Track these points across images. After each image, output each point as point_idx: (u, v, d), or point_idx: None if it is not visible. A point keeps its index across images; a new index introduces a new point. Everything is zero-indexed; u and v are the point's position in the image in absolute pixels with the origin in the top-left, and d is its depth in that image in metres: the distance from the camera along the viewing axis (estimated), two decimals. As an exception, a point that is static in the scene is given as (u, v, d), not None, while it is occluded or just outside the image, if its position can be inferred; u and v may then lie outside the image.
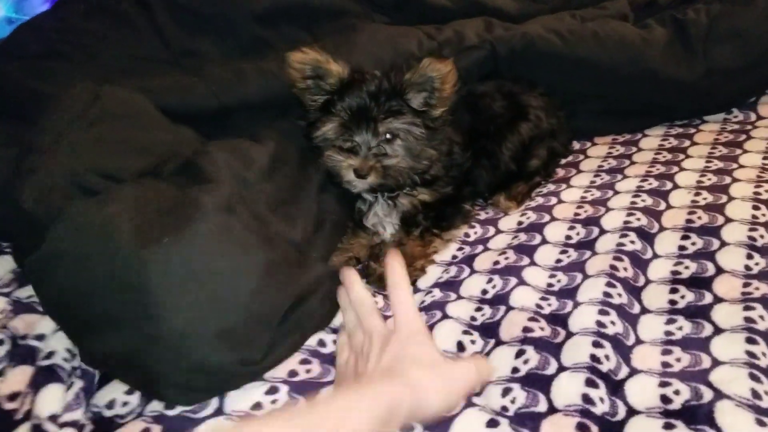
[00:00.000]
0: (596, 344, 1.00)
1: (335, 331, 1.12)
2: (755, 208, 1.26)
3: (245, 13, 1.61)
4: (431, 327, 1.10)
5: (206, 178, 1.14)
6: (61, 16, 1.65)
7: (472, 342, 1.08)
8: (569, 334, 1.04)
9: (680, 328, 1.04)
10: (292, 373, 1.02)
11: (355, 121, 1.26)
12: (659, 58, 1.61)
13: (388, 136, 1.27)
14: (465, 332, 1.09)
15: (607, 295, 1.10)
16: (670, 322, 1.05)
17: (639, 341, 1.03)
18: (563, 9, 1.88)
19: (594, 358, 0.98)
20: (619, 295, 1.10)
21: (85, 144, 1.23)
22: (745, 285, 1.09)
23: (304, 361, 1.05)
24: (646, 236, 1.23)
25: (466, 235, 1.38)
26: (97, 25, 1.60)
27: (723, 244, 1.18)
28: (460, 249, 1.34)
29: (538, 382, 0.96)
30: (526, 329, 1.06)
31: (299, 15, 1.64)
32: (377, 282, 1.26)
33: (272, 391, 0.98)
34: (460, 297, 1.18)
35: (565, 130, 1.64)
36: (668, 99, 1.65)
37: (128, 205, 1.01)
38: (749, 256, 1.14)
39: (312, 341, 1.09)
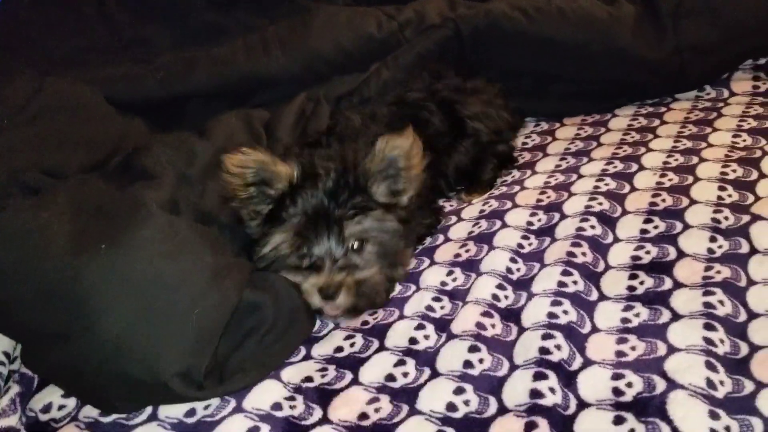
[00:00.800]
0: (546, 336, 0.96)
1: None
2: (721, 189, 1.21)
3: (198, -3, 1.56)
4: (388, 325, 1.06)
5: (148, 175, 1.10)
6: (8, 8, 1.60)
7: (426, 337, 1.03)
8: (521, 330, 1.00)
9: (637, 315, 1.00)
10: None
11: (313, 227, 1.03)
12: (628, 36, 1.56)
13: (355, 243, 1.05)
14: (419, 327, 1.05)
15: (561, 284, 1.06)
16: (627, 308, 1.01)
17: (595, 329, 0.99)
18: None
19: (543, 350, 0.94)
20: (575, 282, 1.06)
21: (26, 139, 1.20)
22: (707, 269, 1.05)
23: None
24: (608, 220, 1.19)
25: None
26: (44, 15, 1.55)
27: (686, 226, 1.14)
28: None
29: (489, 386, 0.92)
30: (479, 325, 1.01)
31: (254, -1, 1.59)
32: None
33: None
34: (418, 289, 1.14)
35: (513, 121, 1.56)
36: (638, 78, 1.61)
37: (64, 209, 0.96)
38: (713, 239, 1.10)
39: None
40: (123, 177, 1.11)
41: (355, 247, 1.05)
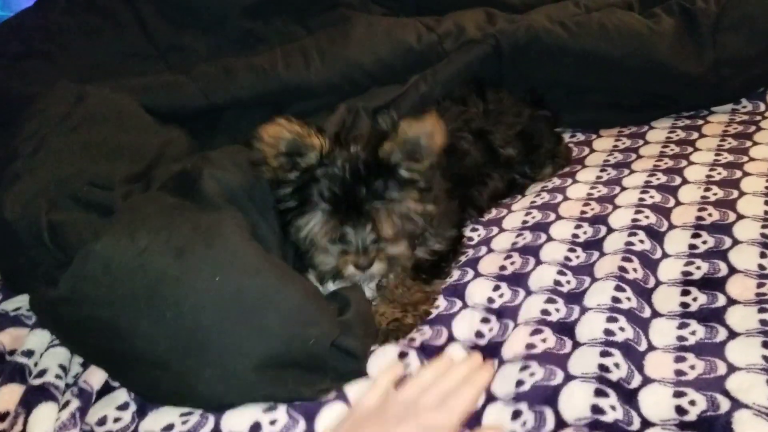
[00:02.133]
0: (605, 353, 0.96)
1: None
2: (767, 203, 1.21)
3: (233, 5, 1.56)
4: (439, 348, 1.05)
5: (210, 203, 1.06)
6: (42, 14, 1.60)
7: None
8: (576, 344, 0.99)
9: (693, 333, 0.99)
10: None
11: (343, 209, 1.08)
12: (668, 50, 1.56)
13: (384, 222, 1.10)
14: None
15: (615, 300, 1.05)
16: (682, 326, 1.01)
17: (651, 347, 0.98)
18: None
19: (603, 367, 0.93)
20: (629, 299, 1.06)
21: (70, 149, 1.19)
22: (759, 285, 1.04)
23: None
24: (656, 235, 1.19)
25: (469, 238, 1.32)
26: (79, 22, 1.55)
27: (735, 242, 1.14)
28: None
29: (543, 396, 0.91)
30: (529, 346, 1.01)
31: (290, 7, 1.59)
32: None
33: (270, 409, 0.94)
34: (465, 305, 1.13)
35: (548, 138, 1.53)
36: (676, 91, 1.61)
37: (159, 235, 0.94)
38: (763, 255, 1.10)
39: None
40: (184, 199, 1.07)
41: (383, 224, 1.10)
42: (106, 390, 1.00)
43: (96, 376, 1.01)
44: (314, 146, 1.09)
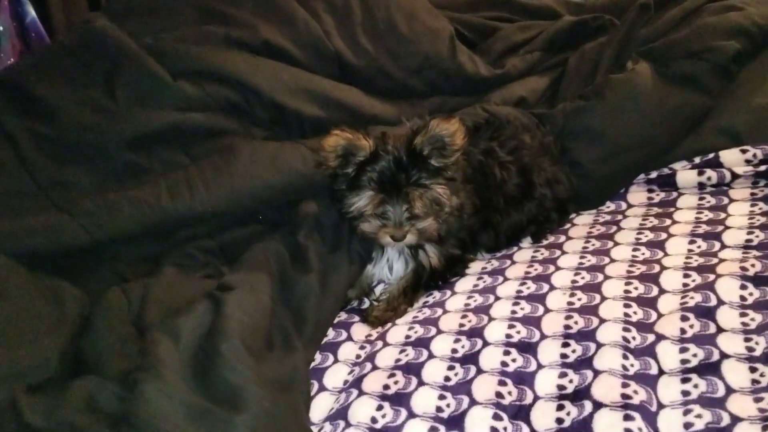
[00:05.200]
0: None
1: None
2: (626, 306, 1.31)
3: (115, 139, 1.57)
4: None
5: None
6: None
7: None
8: None
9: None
10: None
11: (386, 191, 1.41)
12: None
13: (417, 201, 1.41)
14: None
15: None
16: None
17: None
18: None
19: None
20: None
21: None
22: (624, 386, 1.12)
23: None
24: (527, 348, 1.26)
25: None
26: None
27: (599, 346, 1.22)
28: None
29: None
30: None
31: (173, 138, 1.62)
32: (376, 321, 1.48)
33: None
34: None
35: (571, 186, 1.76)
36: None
37: None
38: (625, 357, 1.19)
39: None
40: None
41: (416, 203, 1.42)
42: None
43: None
44: (363, 147, 1.40)
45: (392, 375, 1.26)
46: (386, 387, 1.23)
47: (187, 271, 1.48)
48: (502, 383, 1.20)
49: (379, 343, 1.38)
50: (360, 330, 1.47)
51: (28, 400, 1.04)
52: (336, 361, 1.37)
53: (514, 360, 1.24)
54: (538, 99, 1.98)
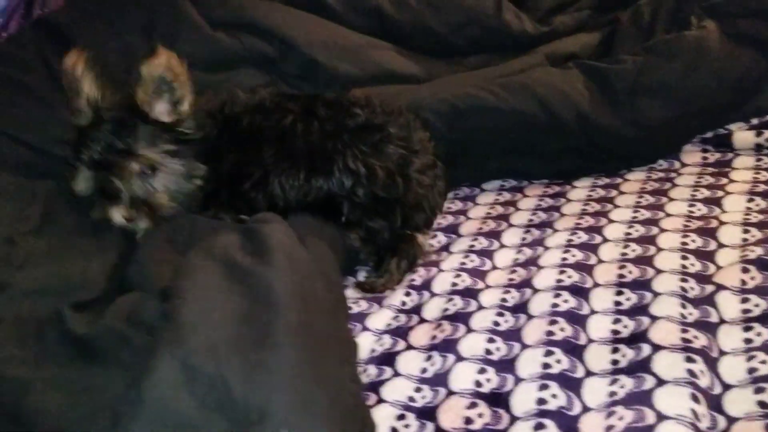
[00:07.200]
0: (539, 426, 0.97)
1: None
2: (683, 258, 1.26)
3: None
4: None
5: None
6: None
7: (406, 426, 1.03)
8: (513, 419, 1.00)
9: (623, 387, 1.01)
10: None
11: (102, 164, 1.18)
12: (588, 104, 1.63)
13: (146, 171, 1.20)
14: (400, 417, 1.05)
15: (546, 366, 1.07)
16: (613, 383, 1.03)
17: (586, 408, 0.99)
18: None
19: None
20: (558, 361, 1.07)
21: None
22: (683, 331, 1.07)
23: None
24: (581, 292, 1.22)
25: (403, 303, 1.33)
26: None
27: (656, 295, 1.17)
28: (395, 317, 1.29)
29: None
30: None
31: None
32: None
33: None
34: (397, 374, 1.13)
35: None
36: (597, 144, 1.66)
37: None
38: (683, 305, 1.14)
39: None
40: None
41: (146, 173, 1.20)
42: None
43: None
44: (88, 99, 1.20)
45: (439, 325, 1.22)
46: (433, 338, 1.20)
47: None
48: (553, 323, 1.15)
49: (426, 293, 1.33)
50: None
51: (73, 313, 1.04)
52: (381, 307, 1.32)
53: (566, 301, 1.20)
54: (590, 55, 1.90)
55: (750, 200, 1.44)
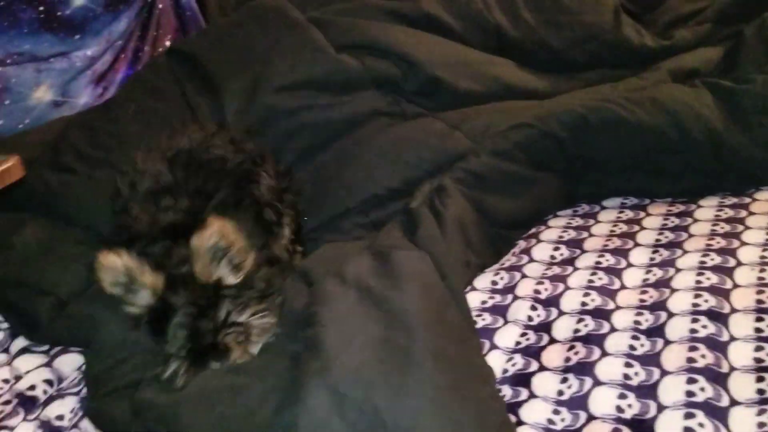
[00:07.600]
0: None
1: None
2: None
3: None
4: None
5: None
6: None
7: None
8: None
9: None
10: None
11: (201, 356, 1.11)
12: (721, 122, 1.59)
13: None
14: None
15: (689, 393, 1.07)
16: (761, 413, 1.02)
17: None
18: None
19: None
20: (702, 389, 1.07)
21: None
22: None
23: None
24: (719, 317, 1.20)
25: (529, 318, 1.33)
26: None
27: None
28: (524, 335, 1.29)
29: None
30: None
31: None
32: None
33: None
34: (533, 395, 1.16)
35: None
36: (724, 163, 1.62)
37: None
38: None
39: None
40: None
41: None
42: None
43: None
44: (146, 285, 1.12)
45: (572, 347, 1.23)
46: (567, 359, 1.20)
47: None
48: (693, 349, 1.14)
49: (554, 311, 1.34)
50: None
51: None
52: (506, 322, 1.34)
53: (705, 327, 1.18)
54: (712, 71, 1.86)
55: None
